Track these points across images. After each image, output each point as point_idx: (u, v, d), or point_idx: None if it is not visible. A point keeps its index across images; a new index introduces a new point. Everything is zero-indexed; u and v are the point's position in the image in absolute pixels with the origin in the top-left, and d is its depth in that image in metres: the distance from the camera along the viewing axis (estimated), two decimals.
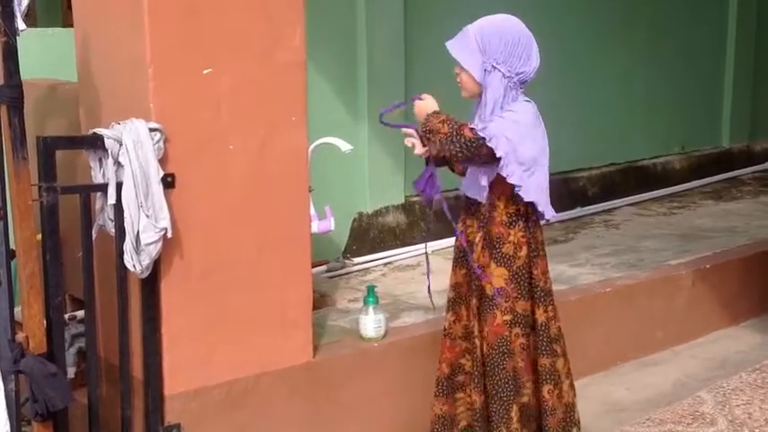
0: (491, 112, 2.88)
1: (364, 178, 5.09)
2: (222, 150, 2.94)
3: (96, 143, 2.68)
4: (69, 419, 2.77)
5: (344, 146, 3.82)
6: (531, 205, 2.94)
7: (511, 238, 2.94)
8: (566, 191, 6.02)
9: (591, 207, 6.17)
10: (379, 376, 3.49)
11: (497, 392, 2.97)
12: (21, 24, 2.55)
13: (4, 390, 2.63)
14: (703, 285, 4.71)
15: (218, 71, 2.90)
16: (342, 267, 4.67)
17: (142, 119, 2.71)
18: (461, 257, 3.06)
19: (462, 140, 2.82)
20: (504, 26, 2.89)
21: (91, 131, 2.74)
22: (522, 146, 2.82)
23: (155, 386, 2.90)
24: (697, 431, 3.46)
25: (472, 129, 2.83)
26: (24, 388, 2.67)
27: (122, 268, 2.78)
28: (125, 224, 2.68)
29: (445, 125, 2.87)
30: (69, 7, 3.25)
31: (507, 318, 2.95)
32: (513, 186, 2.85)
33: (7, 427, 2.64)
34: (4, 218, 2.64)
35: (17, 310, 2.72)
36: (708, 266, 4.78)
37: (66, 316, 3.22)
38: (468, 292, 3.03)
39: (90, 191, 2.78)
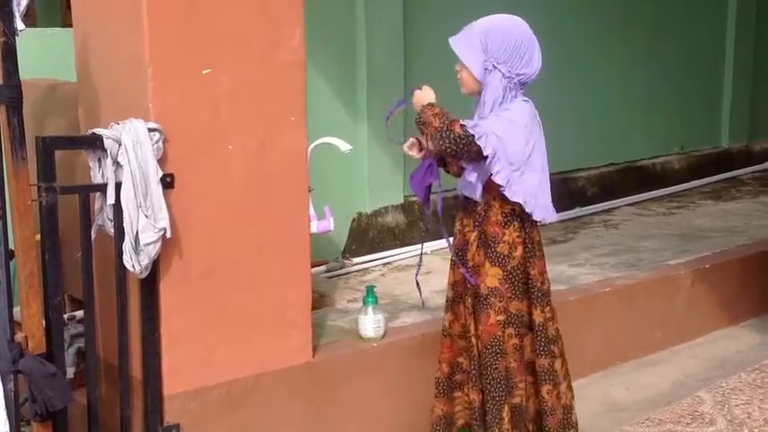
0: (490, 111, 2.88)
1: (363, 178, 5.09)
2: (221, 150, 2.94)
3: (95, 143, 2.68)
4: (68, 419, 2.77)
5: (344, 146, 3.83)
6: None
7: (506, 237, 2.94)
8: (565, 191, 6.02)
9: (590, 207, 6.17)
10: (378, 376, 3.49)
11: (490, 392, 2.96)
12: (20, 24, 2.54)
13: (4, 390, 2.62)
14: (702, 285, 4.71)
15: (217, 71, 2.90)
16: (341, 267, 4.67)
17: (141, 119, 2.71)
18: (459, 256, 3.05)
19: (452, 136, 2.81)
20: (508, 27, 2.90)
21: (90, 131, 2.74)
22: (513, 145, 2.82)
23: (154, 386, 2.90)
24: (696, 431, 3.46)
25: (463, 125, 2.82)
26: (23, 388, 2.67)
27: (121, 268, 2.78)
28: (124, 224, 2.68)
29: (437, 119, 2.87)
30: (68, 7, 3.25)
31: (501, 318, 2.94)
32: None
33: (6, 427, 2.64)
34: (4, 218, 2.63)
35: (16, 310, 2.72)
36: (707, 266, 4.78)
37: (66, 316, 3.21)
38: (464, 291, 3.03)
39: (89, 191, 2.78)
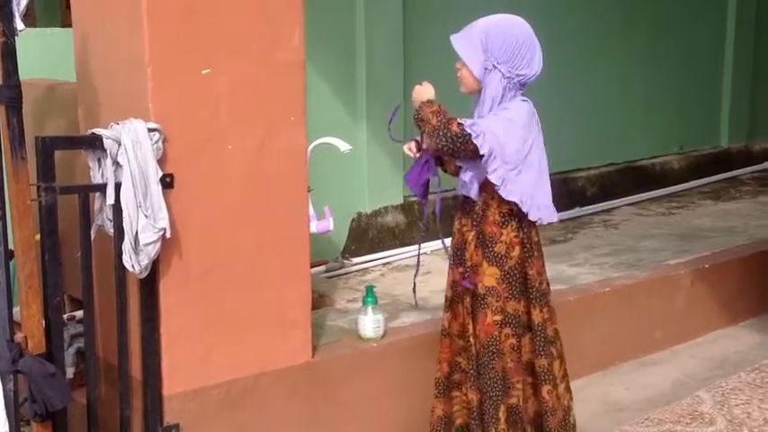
0: (489, 110, 2.89)
1: (363, 178, 5.09)
2: (221, 150, 2.94)
3: (95, 143, 2.68)
4: (68, 419, 2.77)
5: (343, 146, 3.83)
6: None
7: (503, 237, 2.93)
8: (565, 191, 6.02)
9: (590, 207, 6.18)
10: (377, 376, 3.49)
11: (487, 392, 2.96)
12: (19, 24, 2.54)
13: (3, 390, 2.62)
14: (702, 285, 4.71)
15: (216, 71, 2.90)
16: (341, 267, 4.67)
17: (141, 119, 2.71)
18: (457, 256, 3.05)
19: (449, 135, 2.81)
20: (510, 27, 2.89)
21: (89, 131, 2.74)
22: (512, 144, 2.82)
23: (153, 386, 2.90)
24: (696, 431, 3.47)
25: (460, 124, 2.82)
26: (23, 388, 2.67)
27: (121, 268, 2.78)
28: (124, 224, 2.68)
29: (435, 117, 2.86)
30: (68, 7, 3.25)
31: (498, 318, 2.94)
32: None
33: (6, 427, 2.64)
34: (3, 218, 2.63)
35: (16, 310, 2.72)
36: (707, 266, 4.78)
37: (65, 316, 3.22)
38: (463, 290, 3.03)
39: (89, 191, 2.78)
